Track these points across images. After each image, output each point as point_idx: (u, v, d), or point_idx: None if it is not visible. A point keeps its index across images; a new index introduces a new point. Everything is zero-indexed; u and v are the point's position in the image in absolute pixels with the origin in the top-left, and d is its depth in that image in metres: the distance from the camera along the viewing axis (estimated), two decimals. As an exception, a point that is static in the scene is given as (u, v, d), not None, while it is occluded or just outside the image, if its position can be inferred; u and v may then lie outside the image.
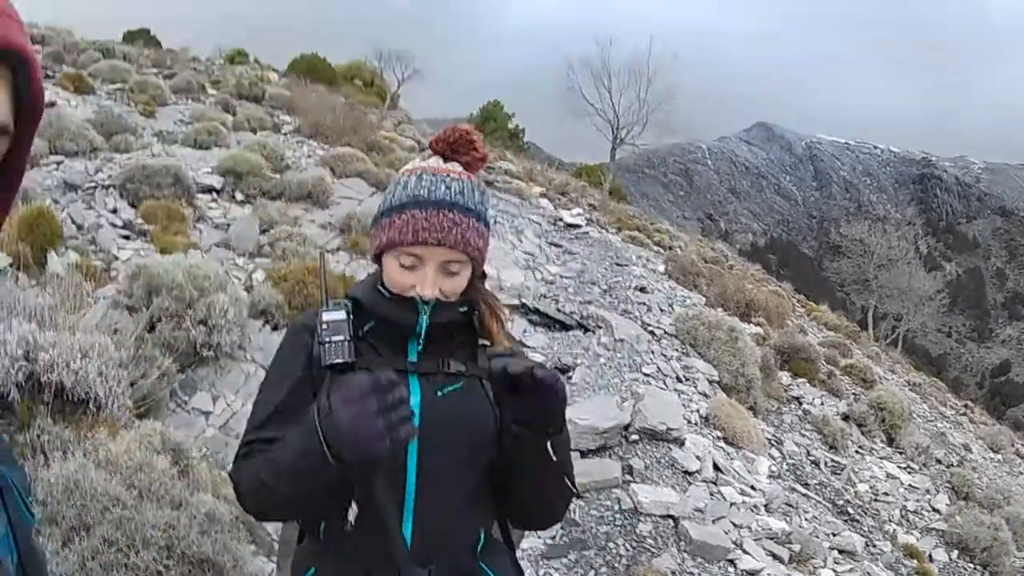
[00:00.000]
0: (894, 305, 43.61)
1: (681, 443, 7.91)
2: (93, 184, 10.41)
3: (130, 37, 33.59)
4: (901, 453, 12.00)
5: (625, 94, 40.92)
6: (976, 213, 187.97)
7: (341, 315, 1.87)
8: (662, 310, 12.46)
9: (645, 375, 9.47)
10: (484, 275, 2.13)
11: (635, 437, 7.79)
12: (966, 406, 27.16)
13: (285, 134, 17.75)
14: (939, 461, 12.59)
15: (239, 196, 11.81)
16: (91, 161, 11.55)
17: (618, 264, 15.13)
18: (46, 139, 11.47)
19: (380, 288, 2.01)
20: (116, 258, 8.43)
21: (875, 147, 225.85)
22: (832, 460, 10.08)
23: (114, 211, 9.75)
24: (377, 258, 2.03)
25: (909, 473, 11.14)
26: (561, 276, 13.34)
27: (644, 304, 12.50)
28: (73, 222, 9.06)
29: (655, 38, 41.66)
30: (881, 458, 11.24)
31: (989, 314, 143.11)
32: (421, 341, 1.99)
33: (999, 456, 17.79)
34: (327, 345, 1.83)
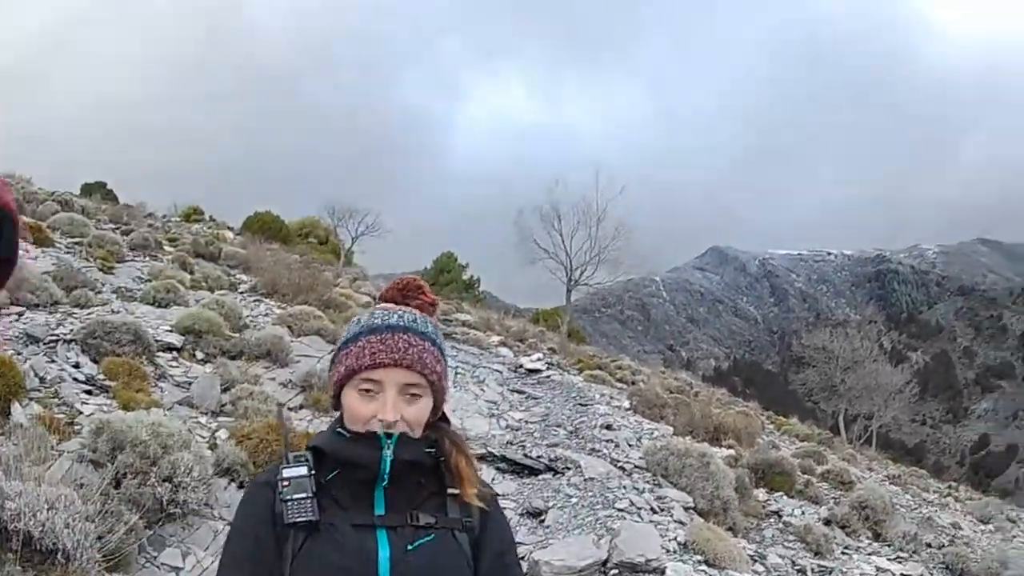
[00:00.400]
0: (864, 405, 43.68)
1: (662, 572, 7.89)
2: (55, 338, 10.40)
3: (88, 189, 34.54)
4: (889, 545, 11.95)
5: (576, 234, 41.13)
6: (936, 298, 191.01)
7: (302, 471, 1.92)
8: (630, 445, 12.50)
9: (619, 511, 9.47)
10: (447, 419, 2.14)
11: (615, 572, 7.77)
12: (949, 487, 27.31)
13: (242, 293, 17.88)
14: (929, 545, 12.54)
15: (199, 354, 11.82)
16: (52, 315, 11.57)
17: (582, 404, 15.18)
18: (6, 289, 11.37)
19: (340, 430, 2.01)
20: (79, 412, 8.41)
21: (828, 253, 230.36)
22: (819, 566, 10.03)
23: (76, 366, 9.73)
24: (337, 399, 2.05)
25: (900, 563, 11.09)
26: (526, 421, 13.37)
27: (611, 441, 12.56)
28: (36, 374, 9.03)
29: (601, 172, 42.27)
30: (869, 554, 11.19)
31: (961, 394, 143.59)
32: (385, 477, 1.93)
33: (990, 526, 17.87)
34: (289, 503, 1.87)
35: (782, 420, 28.44)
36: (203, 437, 8.62)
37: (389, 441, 1.93)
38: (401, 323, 2.02)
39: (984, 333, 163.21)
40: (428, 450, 2.01)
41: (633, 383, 22.23)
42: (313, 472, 1.93)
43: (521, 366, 18.13)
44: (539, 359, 19.47)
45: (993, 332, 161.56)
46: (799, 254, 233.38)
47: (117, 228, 21.97)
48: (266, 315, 15.76)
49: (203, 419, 9.48)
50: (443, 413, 2.12)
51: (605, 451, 11.96)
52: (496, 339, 21.52)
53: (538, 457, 11.24)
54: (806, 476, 15.01)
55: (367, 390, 1.97)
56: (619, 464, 11.33)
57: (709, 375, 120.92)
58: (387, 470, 1.93)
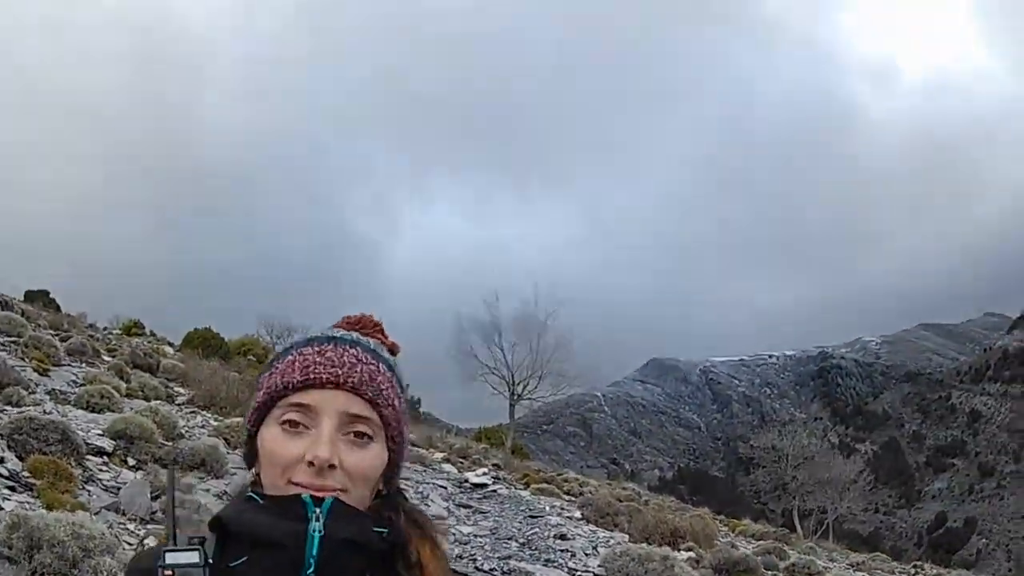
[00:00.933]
0: (817, 499, 43.94)
1: None
2: (-21, 431, 10.02)
3: (30, 296, 33.99)
4: None
5: (517, 349, 40.86)
6: (882, 387, 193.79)
7: (193, 557, 1.33)
8: (587, 554, 12.31)
9: (583, 619, 9.04)
10: (404, 495, 1.55)
11: None
12: (915, 566, 27.23)
13: (179, 404, 17.62)
14: None
15: (131, 460, 11.53)
16: (-21, 409, 11.19)
17: (532, 516, 14.97)
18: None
19: (253, 494, 1.42)
20: (1, 508, 7.97)
21: (769, 356, 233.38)
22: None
23: (0, 461, 9.30)
24: (252, 451, 1.46)
25: None
26: (475, 535, 12.96)
27: (567, 551, 12.32)
28: (-43, 469, 8.65)
29: (540, 286, 42.53)
30: None
31: (913, 477, 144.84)
32: (312, 563, 1.31)
33: None
34: None
35: (735, 522, 28.23)
36: (130, 544, 8.29)
37: (319, 509, 1.32)
38: (349, 336, 1.48)
39: (933, 415, 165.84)
40: (378, 530, 1.40)
41: (581, 494, 21.92)
42: (210, 560, 1.34)
43: (466, 481, 17.86)
44: (484, 474, 19.28)
45: (942, 413, 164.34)
46: (740, 359, 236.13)
47: (56, 335, 21.55)
48: (202, 426, 15.46)
49: (131, 526, 9.15)
50: (400, 487, 1.53)
51: (561, 560, 11.67)
52: (439, 455, 21.31)
53: (491, 570, 10.82)
54: (771, 572, 14.94)
55: (294, 422, 1.38)
56: (577, 573, 10.96)
57: (655, 485, 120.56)
58: (314, 552, 1.32)
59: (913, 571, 25.12)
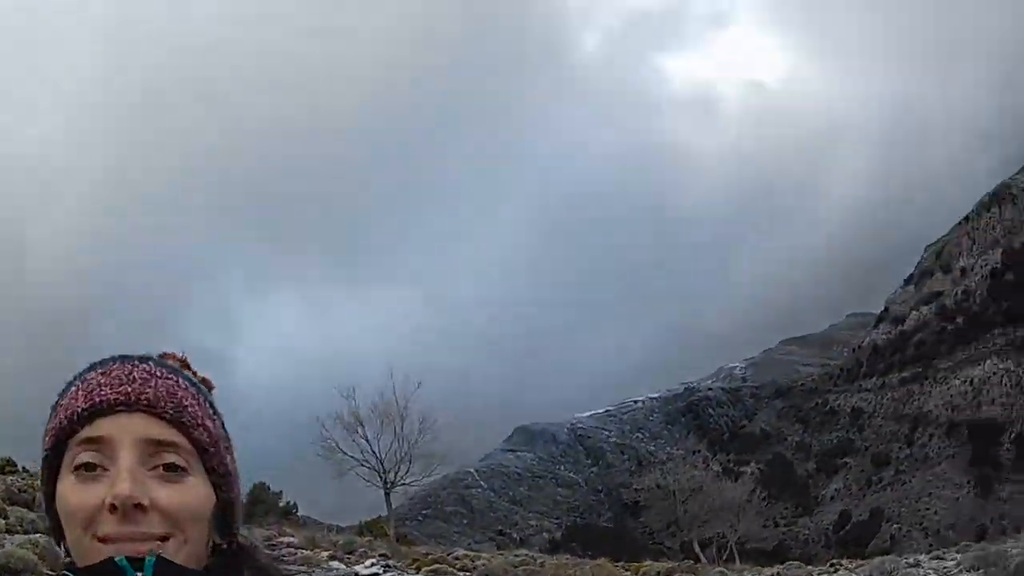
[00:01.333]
0: (714, 527, 44.47)
1: None
2: None
3: None
4: None
5: (382, 438, 40.86)
6: (754, 409, 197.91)
7: None
8: None
9: None
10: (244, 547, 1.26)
11: None
12: (832, 565, 28.03)
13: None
14: None
15: None
16: None
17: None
18: None
19: (66, 571, 1.16)
20: None
21: (635, 401, 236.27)
22: None
23: None
24: (55, 520, 1.17)
25: None
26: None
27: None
28: None
29: (394, 373, 42.34)
30: None
31: (807, 485, 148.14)
32: None
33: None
34: None
35: (636, 565, 28.23)
36: None
37: (140, 574, 1.07)
38: (140, 356, 1.21)
39: (813, 423, 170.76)
40: None
41: (475, 568, 21.63)
42: None
43: (357, 574, 17.12)
44: (373, 564, 18.67)
45: (822, 419, 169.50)
46: (606, 411, 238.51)
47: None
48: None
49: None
50: (246, 542, 1.26)
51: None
52: (325, 554, 20.59)
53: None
54: None
55: (88, 465, 1.12)
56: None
57: (545, 548, 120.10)
58: None
59: (832, 570, 25.70)
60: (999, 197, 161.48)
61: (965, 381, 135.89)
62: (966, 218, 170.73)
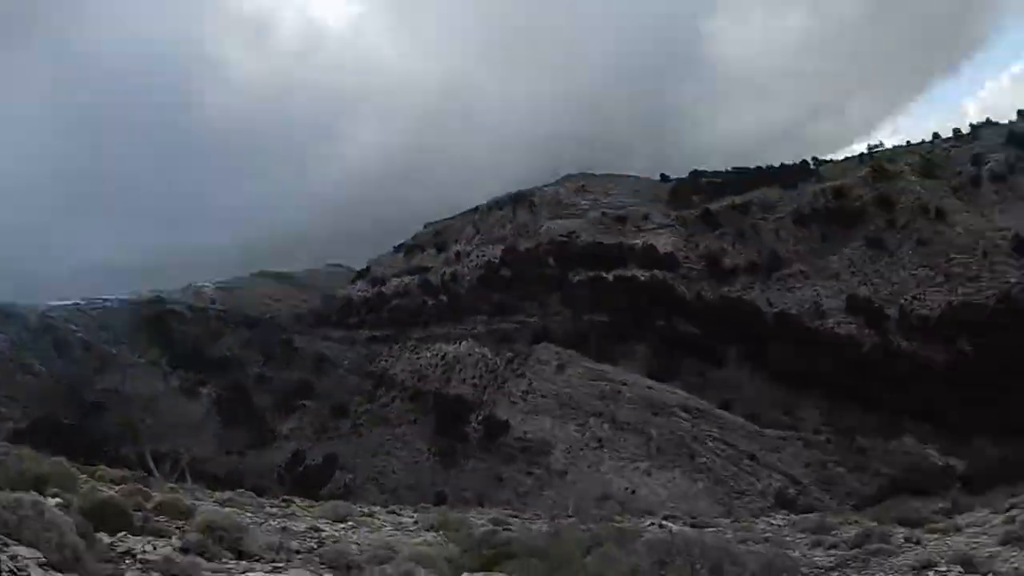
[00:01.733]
0: (169, 442, 45.09)
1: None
2: None
3: None
4: (259, 560, 13.00)
5: None
6: (219, 333, 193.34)
7: None
8: None
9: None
10: None
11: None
12: (283, 500, 29.35)
13: None
14: (298, 551, 14.37)
15: None
16: None
17: None
18: None
19: None
20: None
21: (105, 300, 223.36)
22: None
23: None
24: None
25: (279, 573, 12.18)
26: None
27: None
28: None
29: None
30: (244, 572, 11.88)
31: (264, 419, 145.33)
32: None
33: (349, 523, 21.40)
34: None
35: (92, 468, 28.81)
36: None
37: None
38: None
39: (277, 359, 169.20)
40: None
41: None
42: None
43: None
44: None
45: (286, 358, 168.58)
46: (76, 304, 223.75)
47: None
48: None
49: None
50: None
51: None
52: None
53: None
54: (141, 512, 15.57)
55: None
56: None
57: (10, 438, 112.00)
58: None
59: (284, 504, 27.03)
60: (517, 200, 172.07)
61: (437, 355, 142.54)
62: (475, 209, 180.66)
